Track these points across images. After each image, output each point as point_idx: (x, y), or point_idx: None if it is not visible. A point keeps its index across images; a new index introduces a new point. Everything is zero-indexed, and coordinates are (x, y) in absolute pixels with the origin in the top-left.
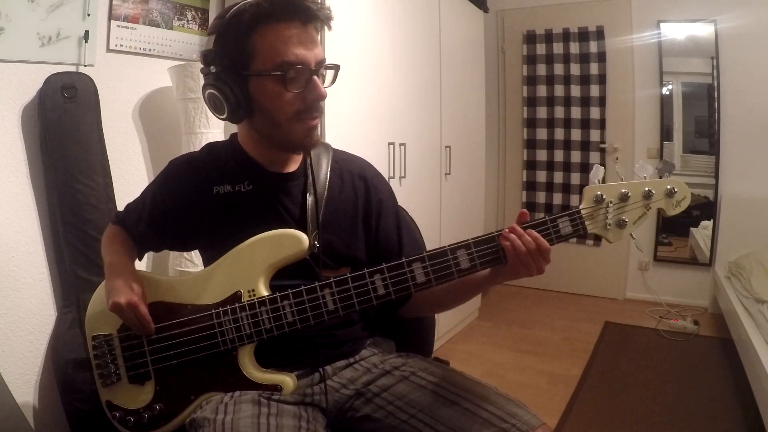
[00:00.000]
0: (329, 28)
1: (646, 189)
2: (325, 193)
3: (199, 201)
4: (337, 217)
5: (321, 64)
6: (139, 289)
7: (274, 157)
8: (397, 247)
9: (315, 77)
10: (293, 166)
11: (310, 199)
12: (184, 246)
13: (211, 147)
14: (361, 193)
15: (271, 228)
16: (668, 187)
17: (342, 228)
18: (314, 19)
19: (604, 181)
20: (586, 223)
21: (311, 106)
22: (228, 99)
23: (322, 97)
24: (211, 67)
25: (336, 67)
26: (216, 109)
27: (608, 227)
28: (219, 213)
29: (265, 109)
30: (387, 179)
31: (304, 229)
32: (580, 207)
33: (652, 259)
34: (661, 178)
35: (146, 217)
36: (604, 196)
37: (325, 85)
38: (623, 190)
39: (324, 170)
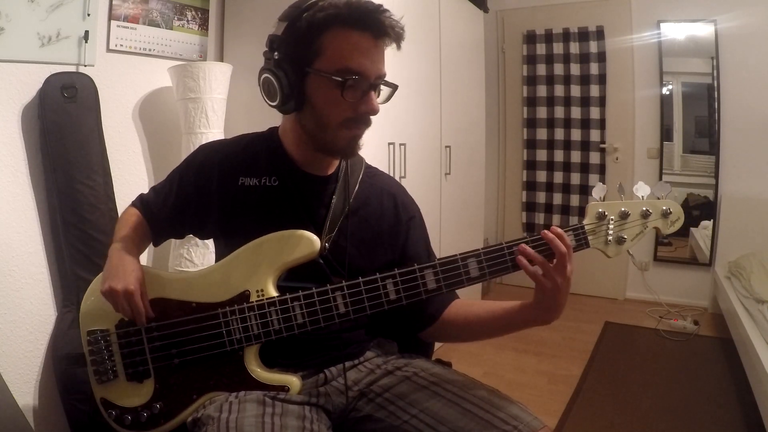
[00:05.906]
0: (398, 47)
1: (644, 208)
2: (351, 201)
3: (222, 189)
4: (359, 228)
5: (380, 78)
6: (138, 275)
7: (312, 158)
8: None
9: (372, 91)
10: (328, 170)
11: (334, 203)
12: (202, 233)
13: (244, 136)
14: (389, 211)
15: (288, 227)
16: (664, 207)
17: (362, 240)
18: (386, 35)
19: (604, 198)
20: (589, 238)
21: (361, 117)
22: (283, 88)
23: (374, 111)
24: (275, 53)
25: (394, 87)
26: (268, 95)
27: (608, 243)
28: (239, 205)
29: (316, 109)
30: None
31: (322, 232)
32: (584, 223)
33: (652, 259)
34: (658, 199)
35: (171, 201)
36: (606, 213)
37: (380, 100)
38: (623, 209)
39: (355, 180)
